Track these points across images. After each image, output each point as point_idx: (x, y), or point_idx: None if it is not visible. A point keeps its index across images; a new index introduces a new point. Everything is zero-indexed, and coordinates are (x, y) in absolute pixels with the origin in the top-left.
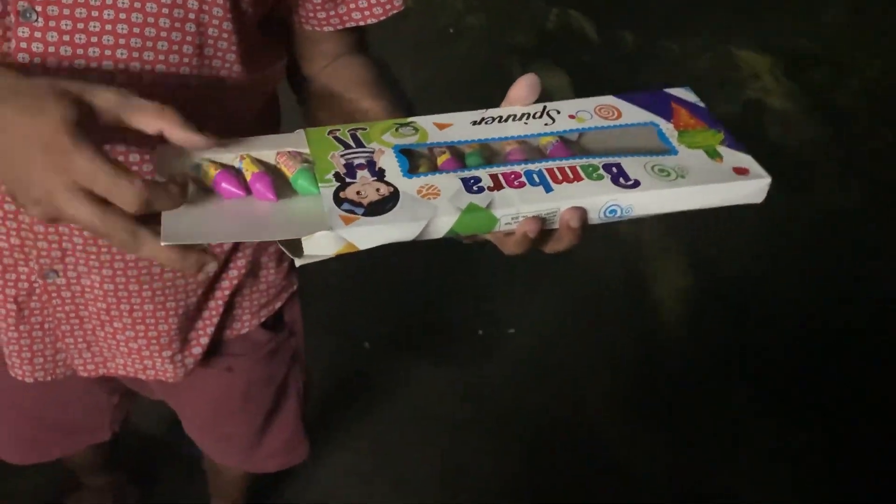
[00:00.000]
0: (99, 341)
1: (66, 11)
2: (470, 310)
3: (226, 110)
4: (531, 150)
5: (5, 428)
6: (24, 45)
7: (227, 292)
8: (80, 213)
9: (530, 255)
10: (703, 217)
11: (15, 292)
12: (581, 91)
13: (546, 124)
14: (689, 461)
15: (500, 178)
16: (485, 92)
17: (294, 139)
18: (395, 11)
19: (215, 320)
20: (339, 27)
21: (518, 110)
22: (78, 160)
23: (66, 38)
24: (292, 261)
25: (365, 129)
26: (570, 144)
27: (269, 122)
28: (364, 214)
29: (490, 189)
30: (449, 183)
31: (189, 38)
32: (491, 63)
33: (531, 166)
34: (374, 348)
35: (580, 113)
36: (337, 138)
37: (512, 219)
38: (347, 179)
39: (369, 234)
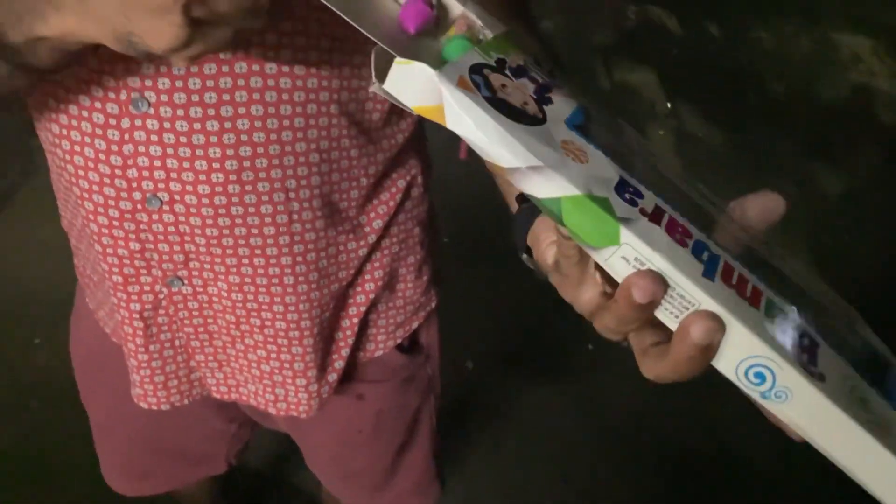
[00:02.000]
0: (230, 360)
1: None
2: (576, 323)
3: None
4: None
5: (118, 457)
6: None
7: (362, 308)
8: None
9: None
10: (823, 204)
11: (140, 307)
12: (671, 86)
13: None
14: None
15: (663, 213)
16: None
17: (492, 24)
18: None
19: (350, 341)
20: None
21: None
22: None
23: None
24: (432, 274)
25: (566, 77)
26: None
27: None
28: (487, 99)
29: (643, 211)
30: (605, 165)
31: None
32: (573, 63)
33: (713, 245)
34: (478, 367)
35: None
36: (534, 57)
37: (634, 259)
38: (507, 70)
39: (471, 115)
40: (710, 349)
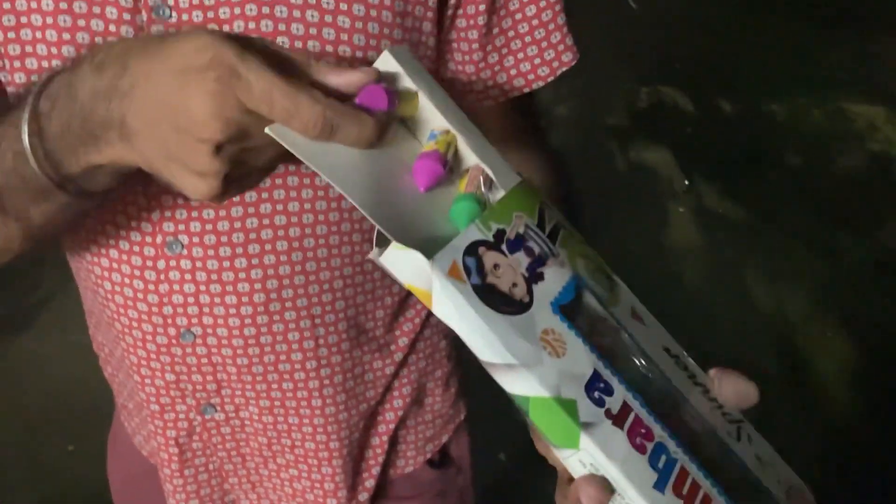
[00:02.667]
0: (263, 481)
1: (200, 3)
2: None
3: None
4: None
5: None
6: None
7: (391, 426)
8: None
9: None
10: (854, 274)
11: (175, 433)
12: (687, 163)
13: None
14: None
15: (629, 413)
16: (590, 174)
17: (505, 173)
18: (564, 69)
19: (380, 458)
20: (501, 98)
21: (715, 399)
22: (248, 76)
23: None
24: (459, 385)
25: (570, 234)
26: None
27: None
28: (474, 288)
29: (608, 413)
30: (582, 357)
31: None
32: (589, 146)
33: (673, 446)
34: (510, 459)
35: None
36: (541, 210)
37: (590, 464)
38: (503, 246)
39: (456, 307)
40: None
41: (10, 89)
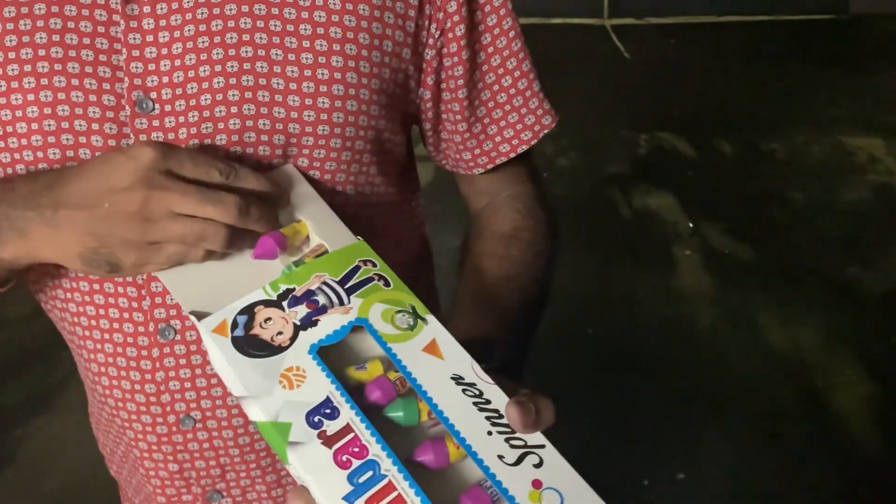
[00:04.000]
0: None
1: (183, 92)
2: (632, 456)
3: (374, 228)
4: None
5: None
6: (143, 137)
7: None
8: (177, 228)
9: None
10: (867, 306)
11: None
12: (691, 207)
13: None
14: None
15: (345, 435)
16: (595, 222)
17: (335, 236)
18: (546, 131)
19: None
20: (490, 166)
21: (508, 433)
22: (171, 187)
23: (186, 129)
24: None
25: (379, 286)
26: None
27: (422, 263)
28: (233, 340)
29: (322, 434)
30: (316, 389)
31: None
32: (592, 195)
33: (389, 464)
34: None
35: None
36: (355, 268)
37: (297, 476)
38: (284, 303)
39: (213, 354)
40: None
41: None
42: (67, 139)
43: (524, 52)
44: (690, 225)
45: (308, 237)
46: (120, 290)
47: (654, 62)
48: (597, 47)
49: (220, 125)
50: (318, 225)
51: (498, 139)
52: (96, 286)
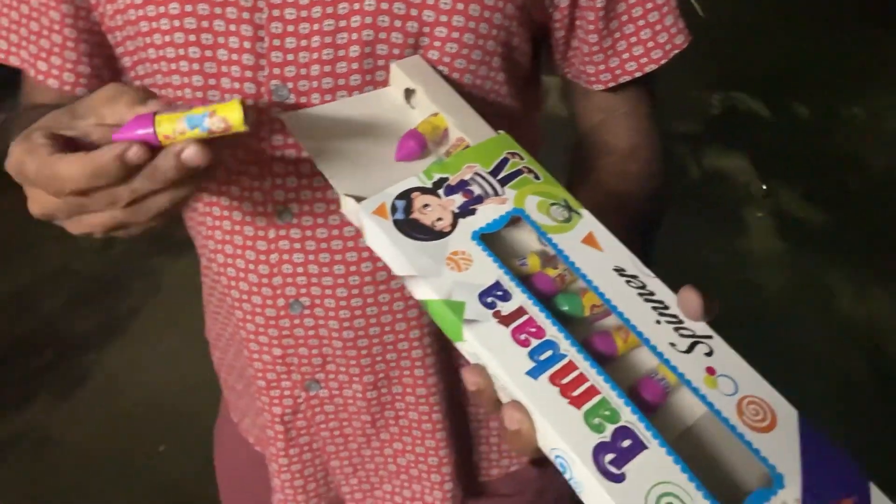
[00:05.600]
0: (365, 462)
1: (316, 84)
2: None
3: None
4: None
5: None
6: (275, 12)
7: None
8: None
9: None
10: None
11: (281, 410)
12: (765, 169)
13: (681, 350)
14: None
15: (520, 316)
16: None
17: (475, 130)
18: (677, 51)
19: (482, 449)
20: (611, 84)
21: (680, 319)
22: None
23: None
24: None
25: (529, 178)
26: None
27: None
28: (395, 223)
29: (497, 314)
30: (485, 272)
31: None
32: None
33: (567, 345)
34: None
35: (726, 390)
36: (504, 160)
37: (471, 353)
38: (440, 191)
39: (374, 236)
40: (519, 433)
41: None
42: (203, 9)
43: None
44: (763, 187)
45: (446, 130)
46: (241, 168)
47: (730, 22)
48: None
49: (356, 6)
50: (455, 118)
51: (626, 55)
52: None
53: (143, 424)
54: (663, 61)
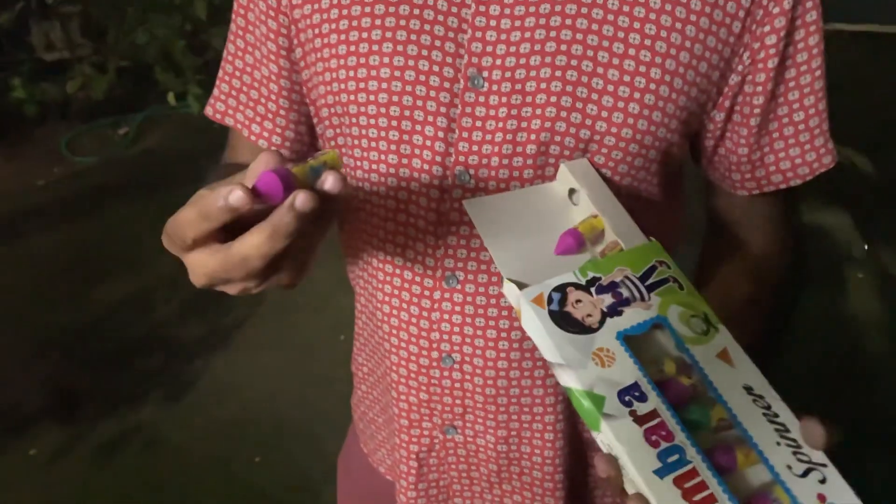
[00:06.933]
0: None
1: (511, 76)
2: None
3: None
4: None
5: None
6: (468, 109)
7: None
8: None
9: None
10: None
11: (417, 448)
12: (867, 228)
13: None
14: None
15: (653, 418)
16: None
17: (628, 234)
18: (822, 170)
19: (606, 500)
20: (755, 192)
21: (799, 444)
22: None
23: (506, 108)
24: None
25: (676, 288)
26: None
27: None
28: (550, 313)
29: (633, 413)
30: (626, 371)
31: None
32: None
33: (693, 453)
34: None
35: None
36: (652, 267)
37: (606, 444)
38: (592, 289)
39: (530, 321)
40: None
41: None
42: (407, 101)
43: (823, 91)
44: (865, 247)
45: (603, 232)
46: (421, 236)
47: (839, 71)
48: None
49: (538, 111)
50: (612, 222)
51: (773, 168)
52: (397, 232)
53: (242, 434)
54: (809, 178)
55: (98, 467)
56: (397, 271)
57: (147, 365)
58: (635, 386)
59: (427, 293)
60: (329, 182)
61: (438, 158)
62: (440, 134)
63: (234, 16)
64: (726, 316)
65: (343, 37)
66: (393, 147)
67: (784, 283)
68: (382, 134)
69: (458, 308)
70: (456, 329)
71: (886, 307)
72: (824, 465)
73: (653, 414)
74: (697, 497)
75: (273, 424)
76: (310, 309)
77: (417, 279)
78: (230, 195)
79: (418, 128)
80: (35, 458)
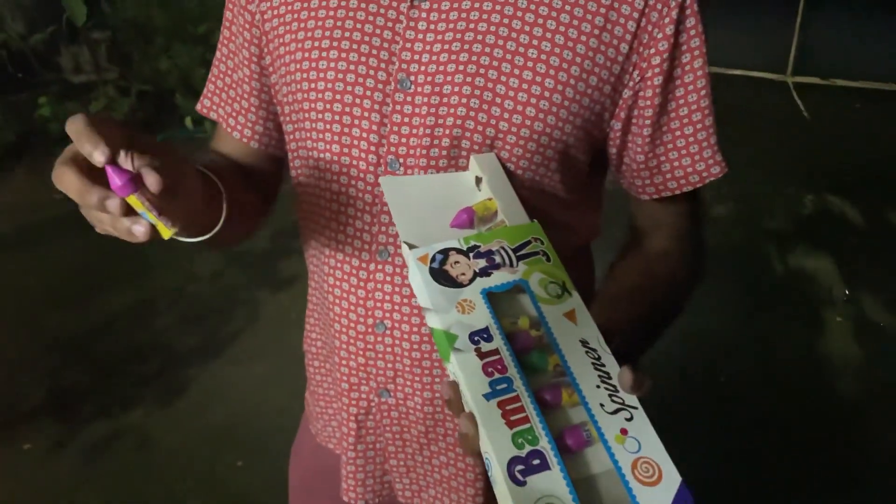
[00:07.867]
0: (417, 466)
1: (433, 80)
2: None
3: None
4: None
5: None
6: (398, 107)
7: None
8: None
9: None
10: None
11: (356, 410)
12: (849, 273)
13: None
14: None
15: (492, 354)
16: (745, 274)
17: (515, 215)
18: (711, 179)
19: None
20: (655, 196)
21: (617, 389)
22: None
23: (427, 107)
24: None
25: (541, 260)
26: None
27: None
28: (430, 270)
29: (477, 350)
30: (480, 318)
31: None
32: (746, 248)
33: (521, 385)
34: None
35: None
36: (527, 242)
37: (452, 373)
38: (470, 254)
39: (412, 276)
40: (467, 437)
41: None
42: (348, 99)
43: (710, 108)
44: (846, 292)
45: (496, 213)
46: (359, 214)
47: (834, 125)
48: (775, 103)
49: (452, 111)
50: (504, 204)
51: (668, 175)
52: (339, 212)
53: (226, 440)
54: (699, 185)
55: (89, 464)
56: (339, 246)
57: (143, 370)
58: (485, 330)
59: (364, 265)
60: (148, 181)
61: (373, 148)
62: (374, 127)
63: (222, 27)
64: (614, 296)
65: (300, 45)
66: (336, 138)
67: (682, 278)
68: (328, 127)
69: (388, 278)
70: (387, 297)
71: (864, 351)
72: (634, 408)
73: (494, 352)
74: (514, 417)
75: (254, 433)
76: (302, 324)
77: (356, 253)
78: (108, 201)
79: (356, 122)
80: (29, 452)
